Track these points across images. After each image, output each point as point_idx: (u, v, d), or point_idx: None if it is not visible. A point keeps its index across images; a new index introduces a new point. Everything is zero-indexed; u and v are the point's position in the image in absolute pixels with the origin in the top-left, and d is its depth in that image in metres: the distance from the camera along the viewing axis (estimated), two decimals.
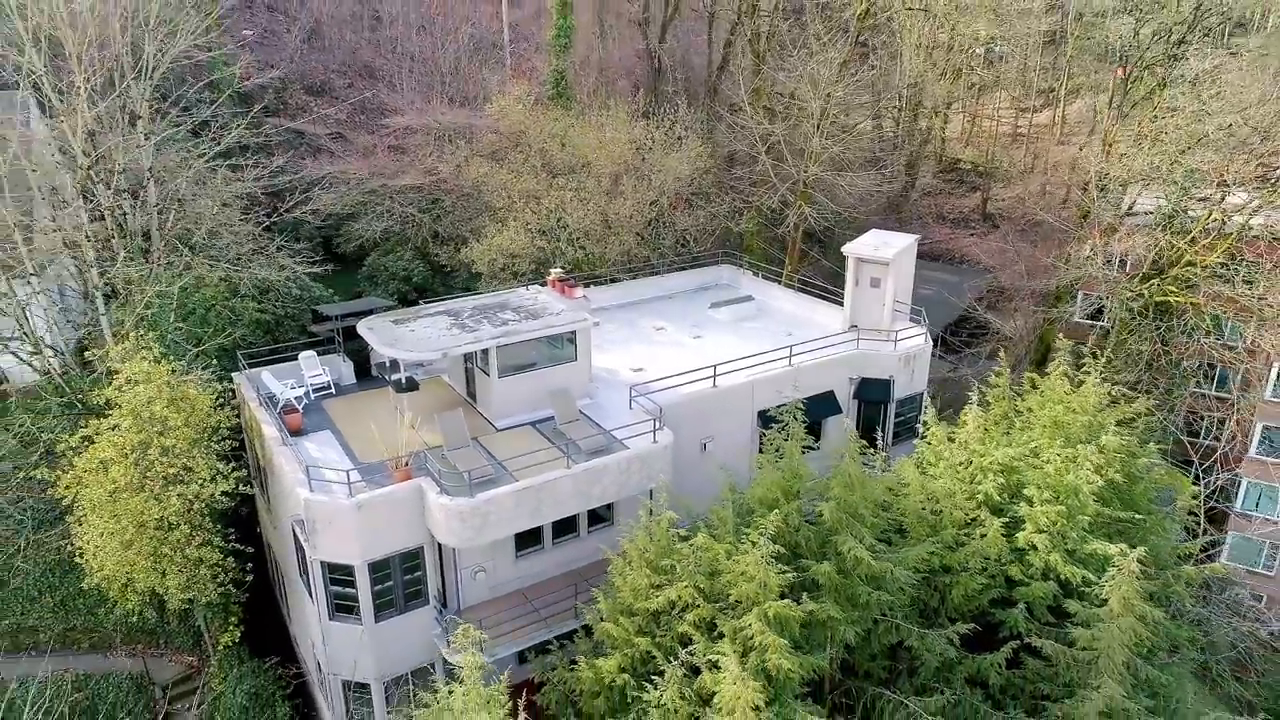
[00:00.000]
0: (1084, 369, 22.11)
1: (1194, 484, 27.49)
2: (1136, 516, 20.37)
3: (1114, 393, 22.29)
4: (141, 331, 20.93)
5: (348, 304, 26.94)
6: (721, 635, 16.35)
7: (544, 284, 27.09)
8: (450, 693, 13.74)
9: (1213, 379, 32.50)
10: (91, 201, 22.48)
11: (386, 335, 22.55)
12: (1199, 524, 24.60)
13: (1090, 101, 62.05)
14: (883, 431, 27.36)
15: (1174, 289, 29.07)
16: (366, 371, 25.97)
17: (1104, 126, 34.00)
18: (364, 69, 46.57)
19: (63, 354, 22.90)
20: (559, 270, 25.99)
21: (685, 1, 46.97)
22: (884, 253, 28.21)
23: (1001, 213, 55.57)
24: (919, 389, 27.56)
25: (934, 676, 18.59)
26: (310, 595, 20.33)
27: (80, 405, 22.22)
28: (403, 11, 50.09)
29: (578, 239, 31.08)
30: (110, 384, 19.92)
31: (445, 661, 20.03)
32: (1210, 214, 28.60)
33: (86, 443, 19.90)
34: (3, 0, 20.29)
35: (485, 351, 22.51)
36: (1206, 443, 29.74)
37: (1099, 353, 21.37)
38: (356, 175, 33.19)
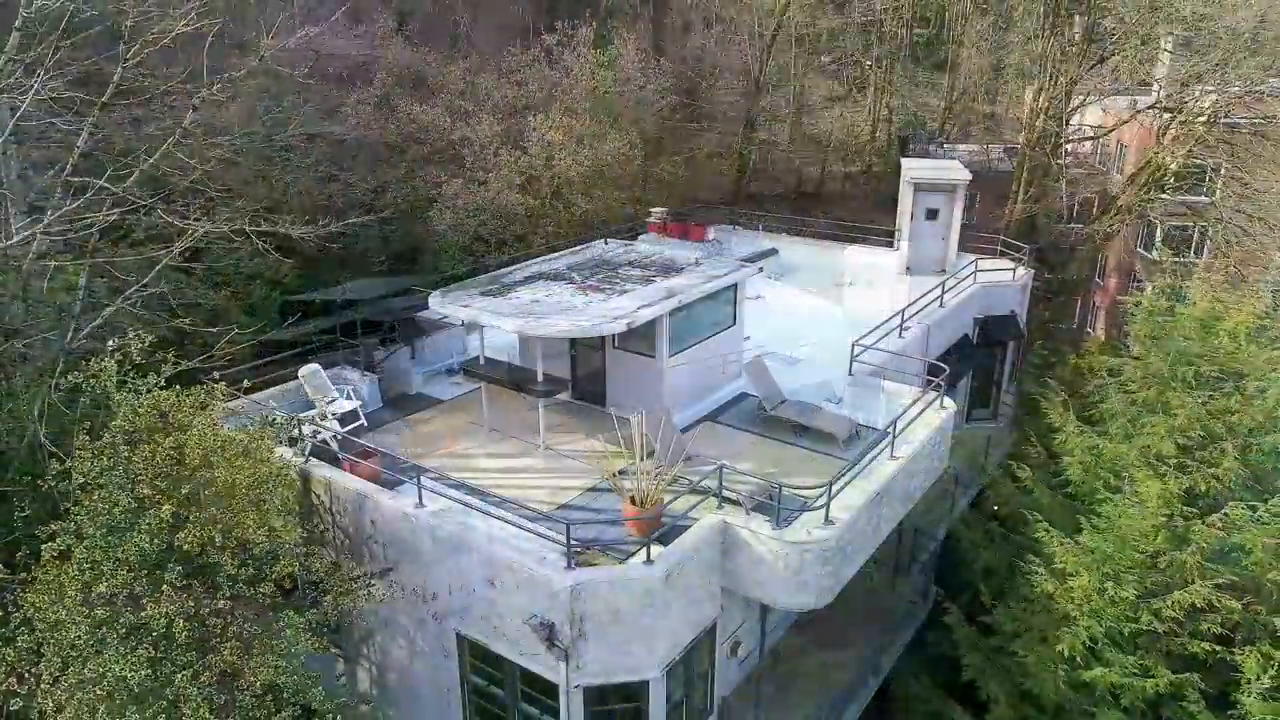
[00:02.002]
0: None
1: None
2: None
3: None
4: None
5: (350, 286, 17.50)
6: None
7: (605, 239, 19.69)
8: None
9: None
10: None
11: (508, 309, 14.28)
12: None
13: None
14: (1000, 382, 23.70)
15: None
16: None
17: None
18: None
19: None
20: (662, 210, 18.88)
21: None
22: (949, 176, 24.52)
23: None
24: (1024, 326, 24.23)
25: None
26: None
27: None
28: None
29: (565, 193, 23.68)
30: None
31: None
32: None
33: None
34: None
35: (636, 326, 15.04)
36: None
37: None
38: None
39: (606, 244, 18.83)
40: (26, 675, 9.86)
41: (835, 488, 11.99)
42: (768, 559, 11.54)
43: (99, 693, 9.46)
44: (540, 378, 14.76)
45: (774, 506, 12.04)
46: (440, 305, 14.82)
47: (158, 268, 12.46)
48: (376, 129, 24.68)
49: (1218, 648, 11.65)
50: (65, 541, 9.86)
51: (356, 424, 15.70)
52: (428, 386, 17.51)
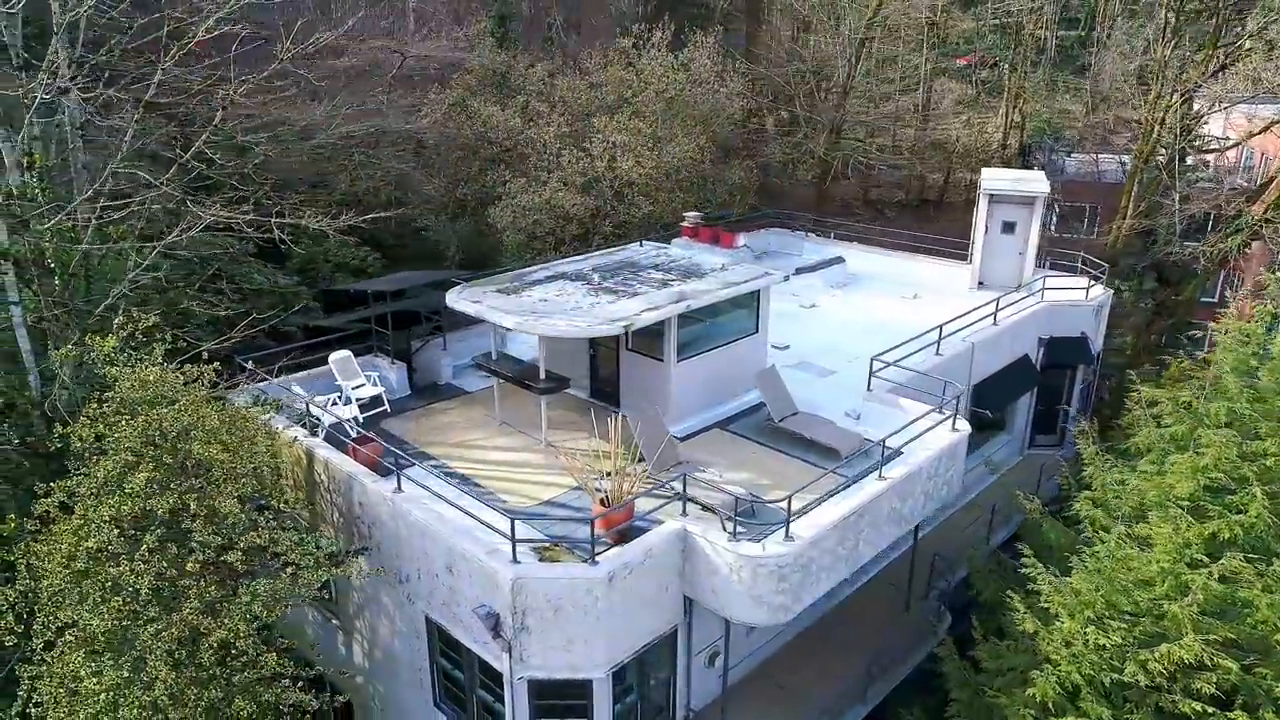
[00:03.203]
0: None
1: None
2: None
3: None
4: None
5: (391, 278, 18.37)
6: None
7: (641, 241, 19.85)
8: None
9: None
10: None
11: (514, 307, 14.67)
12: None
13: None
14: (1069, 406, 22.41)
15: None
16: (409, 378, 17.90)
17: None
18: None
19: None
20: (696, 214, 18.86)
21: None
22: (1027, 187, 23.28)
23: None
24: (1098, 349, 22.80)
25: None
26: None
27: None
28: None
29: (627, 195, 23.87)
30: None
31: None
32: None
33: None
34: None
35: (646, 328, 15.15)
36: None
37: None
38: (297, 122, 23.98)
39: (641, 246, 18.99)
40: (24, 615, 10.96)
41: (800, 504, 11.76)
42: (723, 570, 11.44)
43: (71, 639, 10.45)
44: (542, 375, 15.07)
45: (753, 516, 12.01)
46: (454, 301, 15.35)
47: (154, 254, 13.55)
48: (453, 129, 25.67)
49: (1212, 709, 10.71)
50: (60, 499, 10.92)
51: (380, 409, 16.51)
52: (458, 378, 18.16)
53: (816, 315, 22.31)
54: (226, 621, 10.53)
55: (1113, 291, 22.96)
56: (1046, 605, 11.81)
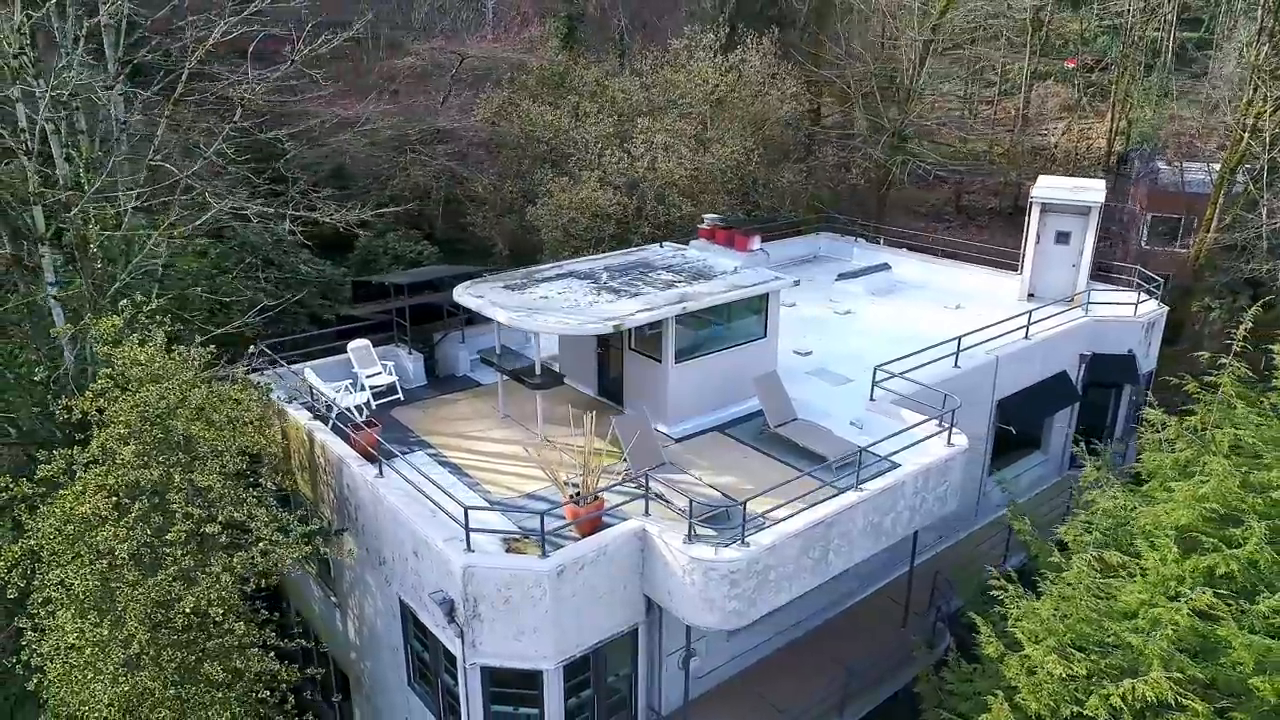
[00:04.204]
0: None
1: None
2: None
3: None
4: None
5: (418, 271, 19.01)
6: None
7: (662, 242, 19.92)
8: None
9: None
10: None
11: (513, 303, 15.00)
12: None
13: None
14: (1112, 426, 21.39)
15: None
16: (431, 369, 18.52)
17: None
18: None
19: None
20: (715, 216, 18.83)
21: None
22: (1082, 197, 22.26)
23: None
24: (1150, 369, 21.65)
25: None
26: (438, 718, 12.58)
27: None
28: None
29: (668, 196, 23.93)
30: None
31: None
32: None
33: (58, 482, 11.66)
34: None
35: (644, 329, 15.26)
36: None
37: None
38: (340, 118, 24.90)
39: (661, 248, 19.06)
40: (27, 572, 11.89)
41: (763, 509, 11.67)
42: (677, 572, 11.47)
43: (61, 598, 11.29)
44: (538, 370, 15.35)
45: (725, 518, 12.00)
46: (459, 295, 15.78)
47: (152, 240, 14.41)
48: (504, 127, 26.25)
49: None
50: (60, 466, 11.80)
51: (393, 397, 17.12)
52: (475, 371, 18.63)
53: (850, 322, 21.91)
54: (197, 590, 11.18)
55: (1168, 309, 21.73)
56: (1014, 629, 11.38)
